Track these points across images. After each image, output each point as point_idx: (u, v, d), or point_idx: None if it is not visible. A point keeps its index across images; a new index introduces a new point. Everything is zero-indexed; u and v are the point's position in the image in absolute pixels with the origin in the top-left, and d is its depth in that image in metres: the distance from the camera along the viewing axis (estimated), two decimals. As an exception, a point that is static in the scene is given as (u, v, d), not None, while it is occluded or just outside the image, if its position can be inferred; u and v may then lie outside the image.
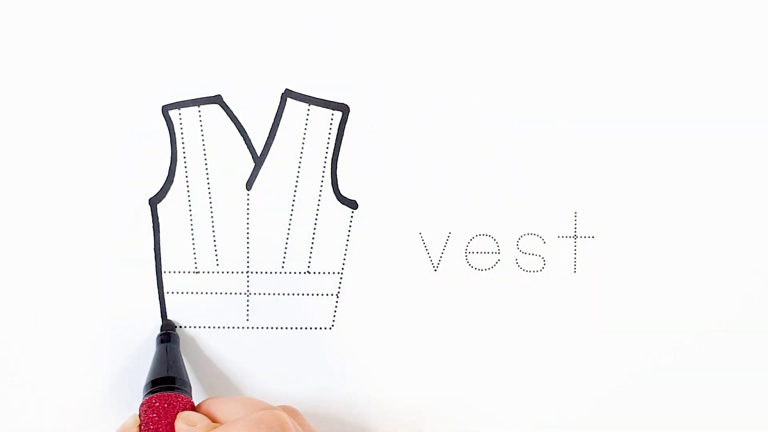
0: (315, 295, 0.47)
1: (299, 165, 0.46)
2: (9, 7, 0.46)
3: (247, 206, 0.46)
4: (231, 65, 0.46)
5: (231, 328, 0.47)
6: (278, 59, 0.46)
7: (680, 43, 0.46)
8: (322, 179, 0.46)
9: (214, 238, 0.47)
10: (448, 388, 0.47)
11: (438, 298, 0.47)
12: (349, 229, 0.47)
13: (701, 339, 0.47)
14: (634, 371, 0.47)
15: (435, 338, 0.47)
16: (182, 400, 0.40)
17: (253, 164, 0.46)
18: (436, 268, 0.47)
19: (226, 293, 0.47)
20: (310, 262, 0.47)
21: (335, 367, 0.47)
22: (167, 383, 0.41)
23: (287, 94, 0.46)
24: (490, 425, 0.47)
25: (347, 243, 0.47)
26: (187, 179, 0.46)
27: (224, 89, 0.46)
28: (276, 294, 0.47)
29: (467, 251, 0.47)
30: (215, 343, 0.47)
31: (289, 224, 0.47)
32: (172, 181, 0.46)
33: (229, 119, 0.46)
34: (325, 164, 0.46)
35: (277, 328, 0.47)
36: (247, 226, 0.47)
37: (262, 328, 0.47)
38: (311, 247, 0.47)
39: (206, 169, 0.46)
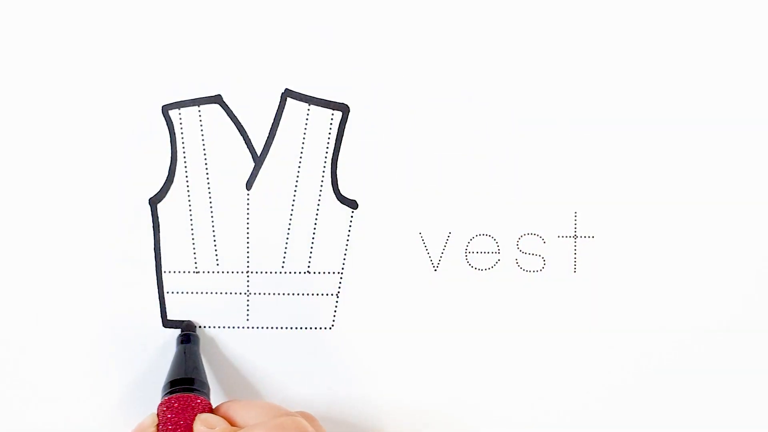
0: (315, 295, 0.47)
1: (299, 165, 0.46)
2: (9, 7, 0.46)
3: (247, 206, 0.47)
4: (231, 65, 0.46)
5: (231, 328, 0.47)
6: (278, 59, 0.46)
7: (680, 43, 0.46)
8: (322, 179, 0.46)
9: (214, 238, 0.47)
10: (448, 387, 0.47)
11: (438, 298, 0.47)
12: (349, 229, 0.47)
13: (701, 339, 0.47)
14: (634, 371, 0.47)
15: (435, 338, 0.47)
16: (201, 401, 0.40)
17: (253, 164, 0.46)
18: (436, 268, 0.47)
19: (226, 293, 0.47)
20: (310, 262, 0.47)
21: (335, 367, 0.47)
22: (186, 384, 0.41)
23: (287, 93, 0.46)
24: (490, 425, 0.47)
25: (347, 243, 0.47)
26: (187, 179, 0.46)
27: (224, 89, 0.46)
28: (276, 294, 0.47)
29: (467, 251, 0.47)
30: (215, 343, 0.47)
31: (289, 224, 0.47)
32: (172, 181, 0.46)
33: (229, 119, 0.46)
34: (325, 164, 0.46)
35: (277, 328, 0.47)
36: (247, 226, 0.47)
37: (262, 328, 0.47)
38: (311, 247, 0.47)
39: (206, 169, 0.46)
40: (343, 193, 0.46)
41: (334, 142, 0.46)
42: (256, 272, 0.47)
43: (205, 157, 0.46)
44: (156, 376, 0.47)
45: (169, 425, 0.39)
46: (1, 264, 0.46)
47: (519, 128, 0.46)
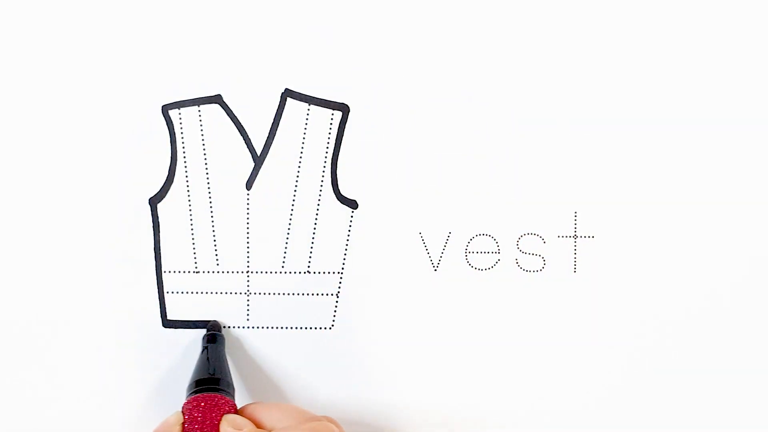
0: (315, 295, 0.47)
1: (299, 165, 0.46)
2: (9, 7, 0.46)
3: (247, 206, 0.46)
4: (231, 65, 0.46)
5: (231, 327, 0.47)
6: (278, 59, 0.46)
7: (680, 43, 0.46)
8: (322, 179, 0.46)
9: (214, 238, 0.47)
10: (448, 387, 0.47)
11: (438, 298, 0.47)
12: (349, 229, 0.47)
13: (701, 339, 0.47)
14: (634, 371, 0.47)
15: (435, 338, 0.47)
16: (226, 402, 0.40)
17: (253, 164, 0.46)
18: (436, 268, 0.47)
19: (226, 293, 0.47)
20: (310, 262, 0.47)
21: (335, 367, 0.47)
22: (211, 384, 0.41)
23: (287, 93, 0.46)
24: (490, 424, 0.47)
25: (347, 243, 0.47)
26: (187, 179, 0.46)
27: (224, 89, 0.46)
28: (276, 294, 0.47)
29: (467, 251, 0.47)
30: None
31: (289, 224, 0.47)
32: (172, 181, 0.46)
33: (229, 119, 0.46)
34: (325, 164, 0.46)
35: (277, 327, 0.47)
36: (247, 226, 0.47)
37: (262, 327, 0.47)
38: (311, 247, 0.47)
39: (206, 169, 0.46)
40: (343, 193, 0.46)
41: (334, 142, 0.46)
42: (256, 272, 0.47)
43: (205, 157, 0.46)
44: (156, 375, 0.47)
45: (195, 424, 0.39)
46: (1, 264, 0.46)
47: (519, 128, 0.46)
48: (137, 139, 0.46)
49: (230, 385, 0.42)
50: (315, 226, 0.47)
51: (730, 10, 0.46)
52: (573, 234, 0.46)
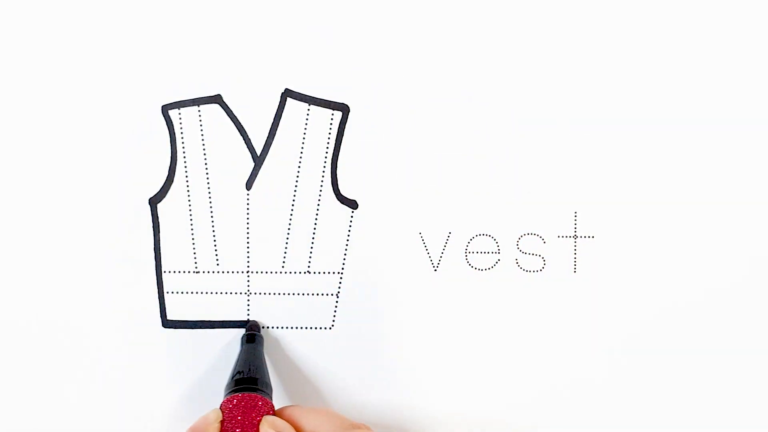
0: (315, 295, 0.47)
1: (299, 165, 0.46)
2: (9, 7, 0.46)
3: (247, 206, 0.47)
4: (231, 65, 0.46)
5: (231, 327, 0.47)
6: (278, 59, 0.46)
7: (680, 43, 0.46)
8: (322, 179, 0.46)
9: (214, 238, 0.47)
10: (447, 387, 0.47)
11: (438, 298, 0.47)
12: (349, 229, 0.47)
13: (701, 339, 0.47)
14: (634, 370, 0.47)
15: (435, 338, 0.47)
16: (264, 402, 0.40)
17: (253, 164, 0.46)
18: (436, 268, 0.47)
19: (226, 293, 0.47)
20: (310, 262, 0.47)
21: (335, 367, 0.47)
22: (250, 384, 0.41)
23: (287, 93, 0.46)
24: (490, 424, 0.47)
25: (347, 243, 0.47)
26: (187, 179, 0.46)
27: (224, 89, 0.46)
28: (276, 294, 0.47)
29: (467, 251, 0.47)
30: (216, 342, 0.47)
31: (289, 224, 0.47)
32: (172, 181, 0.46)
33: (229, 119, 0.46)
34: (325, 164, 0.46)
35: (277, 327, 0.47)
36: (247, 226, 0.47)
37: (262, 327, 0.47)
38: (311, 247, 0.47)
39: (206, 169, 0.46)
40: (343, 193, 0.46)
41: (334, 142, 0.46)
42: (256, 272, 0.47)
43: (205, 157, 0.46)
44: (155, 375, 0.47)
45: (235, 423, 0.39)
46: (1, 264, 0.46)
47: (519, 128, 0.46)
48: (137, 139, 0.46)
49: (268, 386, 0.42)
50: (315, 226, 0.47)
51: (730, 10, 0.46)
52: (573, 234, 0.46)
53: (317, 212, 0.47)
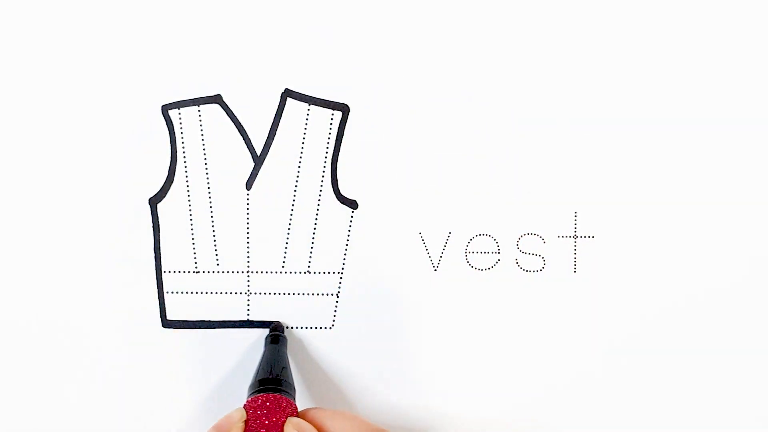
0: (315, 295, 0.47)
1: (299, 165, 0.46)
2: (9, 7, 0.46)
3: (247, 206, 0.47)
4: (231, 65, 0.46)
5: (231, 327, 0.47)
6: (278, 59, 0.46)
7: (680, 43, 0.46)
8: (322, 179, 0.46)
9: (214, 238, 0.47)
10: (447, 387, 0.47)
11: (438, 298, 0.47)
12: (349, 229, 0.47)
13: (701, 339, 0.47)
14: (634, 370, 0.47)
15: (435, 338, 0.47)
16: (288, 404, 0.40)
17: (253, 164, 0.46)
18: (436, 268, 0.47)
19: (226, 293, 0.47)
20: (310, 262, 0.47)
21: (335, 367, 0.47)
22: (274, 384, 0.41)
23: (287, 93, 0.46)
24: (490, 424, 0.47)
25: (347, 243, 0.47)
26: (187, 179, 0.46)
27: (224, 89, 0.46)
28: (276, 294, 0.47)
29: (467, 251, 0.47)
30: (215, 342, 0.47)
31: (289, 224, 0.47)
32: (172, 181, 0.46)
33: (229, 119, 0.46)
34: (325, 164, 0.46)
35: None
36: (247, 226, 0.47)
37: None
38: (311, 247, 0.47)
39: (206, 169, 0.46)
40: (343, 193, 0.46)
41: (334, 142, 0.46)
42: (257, 272, 0.47)
43: (205, 157, 0.46)
44: (155, 375, 0.47)
45: (259, 422, 0.39)
46: (1, 264, 0.46)
47: (519, 128, 0.46)
48: (137, 139, 0.46)
49: (292, 387, 0.42)
50: (315, 226, 0.47)
51: (730, 10, 0.46)
52: (573, 234, 0.46)
53: (317, 212, 0.47)
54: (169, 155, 0.46)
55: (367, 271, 0.47)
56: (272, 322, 0.47)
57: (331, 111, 0.46)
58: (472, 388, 0.47)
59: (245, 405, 0.40)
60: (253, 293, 0.47)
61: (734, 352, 0.47)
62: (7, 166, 0.46)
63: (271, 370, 0.42)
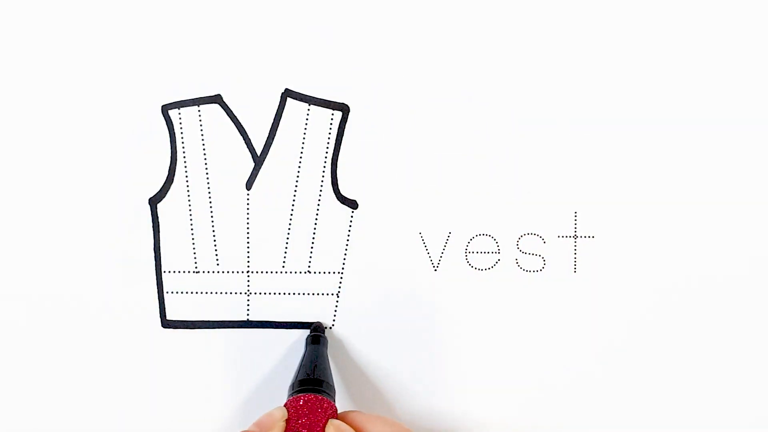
0: (315, 294, 0.47)
1: (299, 165, 0.46)
2: (9, 7, 0.46)
3: (247, 206, 0.46)
4: (231, 65, 0.46)
5: (231, 327, 0.47)
6: (278, 59, 0.46)
7: (680, 43, 0.46)
8: (322, 179, 0.46)
9: (214, 238, 0.47)
10: (447, 387, 0.47)
11: (438, 298, 0.47)
12: (349, 229, 0.47)
13: (701, 339, 0.47)
14: (634, 370, 0.47)
15: (435, 338, 0.47)
16: (329, 405, 0.40)
17: (253, 164, 0.46)
18: (436, 268, 0.47)
19: (226, 293, 0.47)
20: (310, 262, 0.47)
21: (335, 367, 0.47)
22: (316, 385, 0.41)
23: (287, 93, 0.46)
24: (490, 424, 0.47)
25: (347, 243, 0.47)
26: (187, 179, 0.46)
27: (224, 89, 0.46)
28: (276, 294, 0.47)
29: (467, 251, 0.47)
30: (216, 343, 0.47)
31: (289, 224, 0.47)
32: (172, 181, 0.46)
33: (229, 119, 0.46)
34: (325, 164, 0.46)
35: (277, 327, 0.47)
36: (247, 226, 0.47)
37: (263, 327, 0.47)
38: (311, 247, 0.47)
39: (206, 169, 0.46)
40: (343, 193, 0.46)
41: (334, 142, 0.46)
42: (257, 272, 0.47)
43: (205, 157, 0.46)
44: (155, 375, 0.47)
45: (300, 421, 0.39)
46: (1, 264, 0.46)
47: (519, 128, 0.46)
48: (137, 139, 0.46)
49: (332, 388, 0.42)
50: (315, 226, 0.47)
51: (730, 10, 0.46)
52: (573, 234, 0.46)
53: (317, 212, 0.47)
54: (169, 155, 0.46)
55: (367, 271, 0.47)
56: (272, 322, 0.47)
57: (331, 111, 0.46)
58: (471, 387, 0.47)
59: (286, 404, 0.40)
60: (253, 293, 0.47)
61: (734, 352, 0.47)
62: (8, 166, 0.46)
63: (312, 371, 0.42)
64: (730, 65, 0.46)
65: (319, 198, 0.46)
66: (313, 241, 0.47)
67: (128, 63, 0.46)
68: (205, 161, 0.46)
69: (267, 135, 0.46)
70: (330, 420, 0.39)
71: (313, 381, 0.41)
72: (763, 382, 0.47)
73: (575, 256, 0.46)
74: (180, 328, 0.47)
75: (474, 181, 0.46)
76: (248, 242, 0.47)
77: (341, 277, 0.47)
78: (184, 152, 0.46)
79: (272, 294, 0.47)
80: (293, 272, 0.47)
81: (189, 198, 0.46)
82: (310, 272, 0.47)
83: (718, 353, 0.47)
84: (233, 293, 0.47)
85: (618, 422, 0.47)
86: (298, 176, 0.46)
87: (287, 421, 0.39)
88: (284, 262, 0.47)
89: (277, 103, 0.46)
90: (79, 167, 0.46)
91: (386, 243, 0.47)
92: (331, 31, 0.46)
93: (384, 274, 0.47)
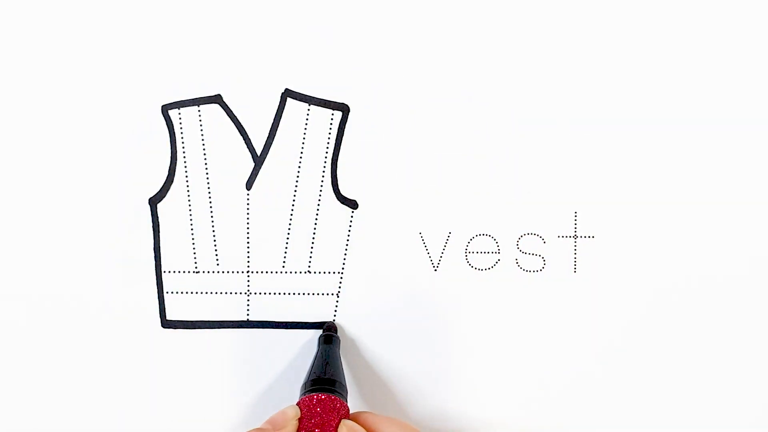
0: (315, 294, 0.47)
1: (299, 165, 0.46)
2: (9, 7, 0.46)
3: (247, 206, 0.47)
4: (231, 65, 0.46)
5: (231, 327, 0.47)
6: (278, 59, 0.46)
7: (680, 43, 0.46)
8: (322, 179, 0.46)
9: (214, 238, 0.47)
10: (447, 387, 0.47)
11: (438, 298, 0.47)
12: (349, 229, 0.47)
13: (701, 338, 0.47)
14: (634, 370, 0.47)
15: (435, 338, 0.47)
16: (341, 405, 0.40)
17: (253, 164, 0.46)
18: (436, 268, 0.47)
19: (226, 293, 0.47)
20: (310, 262, 0.47)
21: (335, 367, 0.47)
22: (328, 385, 0.41)
23: (287, 93, 0.46)
24: (489, 424, 0.47)
25: (347, 243, 0.47)
26: (187, 179, 0.46)
27: (224, 89, 0.46)
28: (276, 294, 0.47)
29: (467, 251, 0.47)
30: (215, 342, 0.47)
31: (289, 224, 0.47)
32: (172, 181, 0.46)
33: (229, 119, 0.46)
34: (325, 164, 0.46)
35: (277, 327, 0.47)
36: (247, 226, 0.47)
37: (262, 327, 0.47)
38: (311, 247, 0.47)
39: (206, 169, 0.46)
40: (343, 193, 0.46)
41: (334, 142, 0.46)
42: (257, 272, 0.47)
43: (205, 157, 0.46)
44: (154, 375, 0.47)
45: (313, 420, 0.39)
46: (1, 264, 0.46)
47: (519, 128, 0.46)
48: (137, 139, 0.46)
49: (344, 388, 0.42)
50: (315, 226, 0.47)
51: (730, 10, 0.46)
52: (573, 234, 0.46)
53: (317, 212, 0.47)
54: (169, 155, 0.46)
55: (367, 271, 0.47)
56: (273, 322, 0.47)
57: (331, 111, 0.46)
58: (471, 387, 0.47)
59: (299, 402, 0.40)
60: (253, 293, 0.47)
61: (734, 352, 0.47)
62: (8, 166, 0.46)
63: (324, 370, 0.42)
64: (730, 65, 0.46)
65: (319, 198, 0.46)
66: (313, 241, 0.47)
67: (128, 63, 0.46)
68: (205, 161, 0.46)
69: (267, 135, 0.46)
70: (342, 420, 0.40)
71: (326, 381, 0.41)
72: (763, 382, 0.47)
73: (575, 256, 0.46)
74: (180, 328, 0.47)
75: (474, 181, 0.46)
76: (248, 242, 0.47)
77: (341, 277, 0.47)
78: (184, 152, 0.46)
79: (272, 294, 0.47)
80: (293, 272, 0.47)
81: (189, 198, 0.46)
82: (310, 272, 0.47)
83: (718, 353, 0.47)
84: (233, 293, 0.47)
85: (618, 422, 0.47)
86: (298, 176, 0.46)
87: (300, 419, 0.39)
88: (284, 262, 0.47)
89: (277, 103, 0.46)
90: (79, 167, 0.46)
91: (386, 243, 0.47)
92: (331, 31, 0.46)
93: (384, 274, 0.47)
